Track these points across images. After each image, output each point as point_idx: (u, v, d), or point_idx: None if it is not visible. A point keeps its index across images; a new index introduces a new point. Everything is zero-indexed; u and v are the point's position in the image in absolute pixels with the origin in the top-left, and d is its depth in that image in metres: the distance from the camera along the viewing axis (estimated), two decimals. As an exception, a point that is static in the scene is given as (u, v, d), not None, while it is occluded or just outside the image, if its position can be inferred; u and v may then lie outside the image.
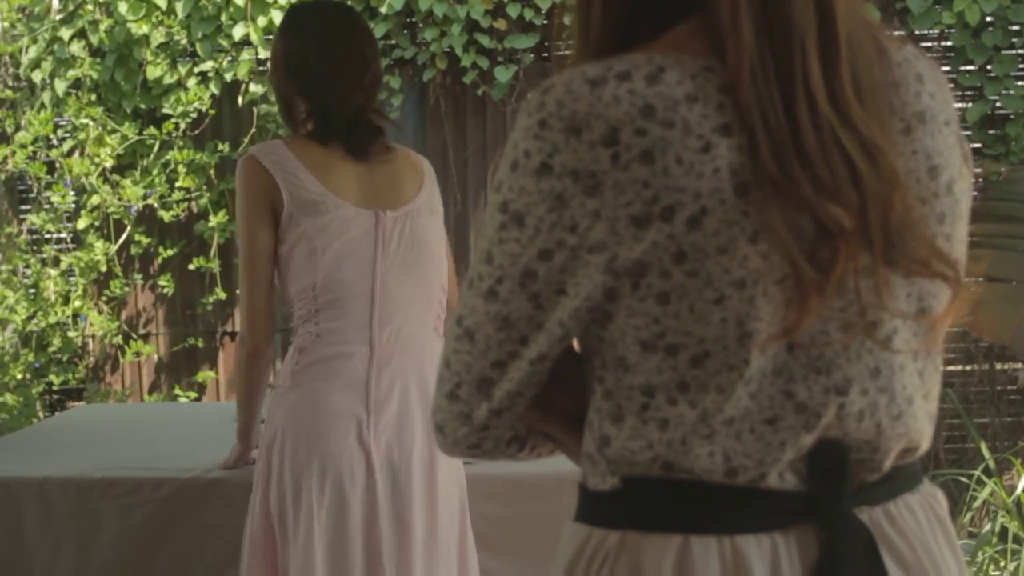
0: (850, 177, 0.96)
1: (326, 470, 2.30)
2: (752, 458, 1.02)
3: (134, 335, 5.71)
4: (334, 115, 2.42)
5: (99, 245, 5.53)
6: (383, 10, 5.29)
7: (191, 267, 5.55)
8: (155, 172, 5.51)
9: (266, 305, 2.42)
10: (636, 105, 0.97)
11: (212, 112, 5.49)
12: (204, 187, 5.54)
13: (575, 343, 1.09)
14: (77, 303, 5.56)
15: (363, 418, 2.34)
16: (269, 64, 2.55)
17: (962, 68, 5.12)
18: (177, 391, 5.71)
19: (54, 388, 5.76)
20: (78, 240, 5.66)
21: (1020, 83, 5.13)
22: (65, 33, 5.50)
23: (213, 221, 5.47)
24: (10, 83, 5.76)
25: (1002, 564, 4.20)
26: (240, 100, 5.49)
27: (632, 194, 0.97)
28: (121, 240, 5.61)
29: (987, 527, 4.34)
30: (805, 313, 0.97)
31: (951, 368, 5.22)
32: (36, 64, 5.57)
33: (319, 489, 2.29)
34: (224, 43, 5.44)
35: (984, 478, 4.47)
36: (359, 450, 2.32)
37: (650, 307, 1.00)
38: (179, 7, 5.40)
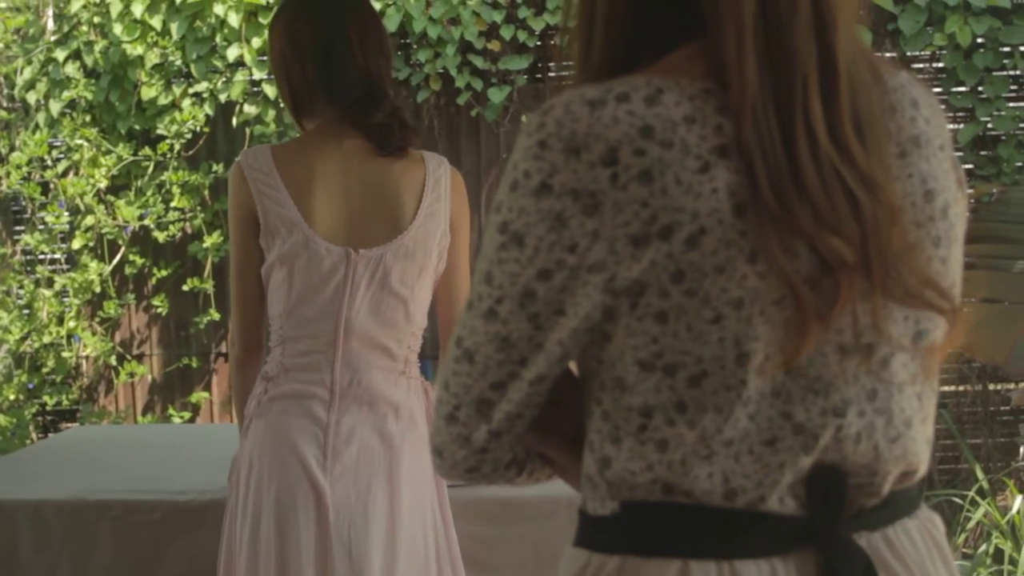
0: (851, 210, 0.97)
1: (280, 505, 2.26)
2: (751, 479, 1.02)
3: (128, 356, 5.71)
4: (374, 106, 2.32)
5: (93, 266, 5.53)
6: (377, 32, 5.31)
7: (185, 288, 5.55)
8: (149, 193, 5.52)
9: (256, 315, 2.40)
10: (635, 126, 0.98)
11: (206, 133, 5.50)
12: (198, 208, 5.55)
13: (573, 366, 1.10)
14: (71, 324, 5.56)
15: (319, 459, 2.27)
16: (281, 49, 2.39)
17: (953, 89, 5.15)
18: (171, 412, 5.70)
19: (47, 409, 5.75)
20: (72, 261, 5.66)
21: (1011, 104, 5.16)
22: (60, 54, 5.52)
23: (207, 242, 5.48)
24: (5, 104, 5.77)
25: (996, 585, 4.21)
26: (234, 121, 5.50)
27: (631, 214, 0.98)
28: (115, 261, 5.61)
29: (981, 548, 4.34)
30: (805, 341, 0.98)
31: (944, 389, 5.22)
32: (31, 85, 5.58)
33: (275, 522, 2.27)
34: (218, 64, 5.46)
35: (978, 499, 4.47)
36: (311, 490, 2.26)
37: (648, 326, 1.00)
38: (174, 28, 5.42)
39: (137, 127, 5.55)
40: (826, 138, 0.98)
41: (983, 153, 5.19)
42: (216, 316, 5.53)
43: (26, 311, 5.63)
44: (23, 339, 5.57)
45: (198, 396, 5.68)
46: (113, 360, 5.65)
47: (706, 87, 1.00)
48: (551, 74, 5.47)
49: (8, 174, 5.54)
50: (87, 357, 5.72)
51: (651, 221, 0.97)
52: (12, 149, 5.63)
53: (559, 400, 1.11)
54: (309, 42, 2.36)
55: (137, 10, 5.39)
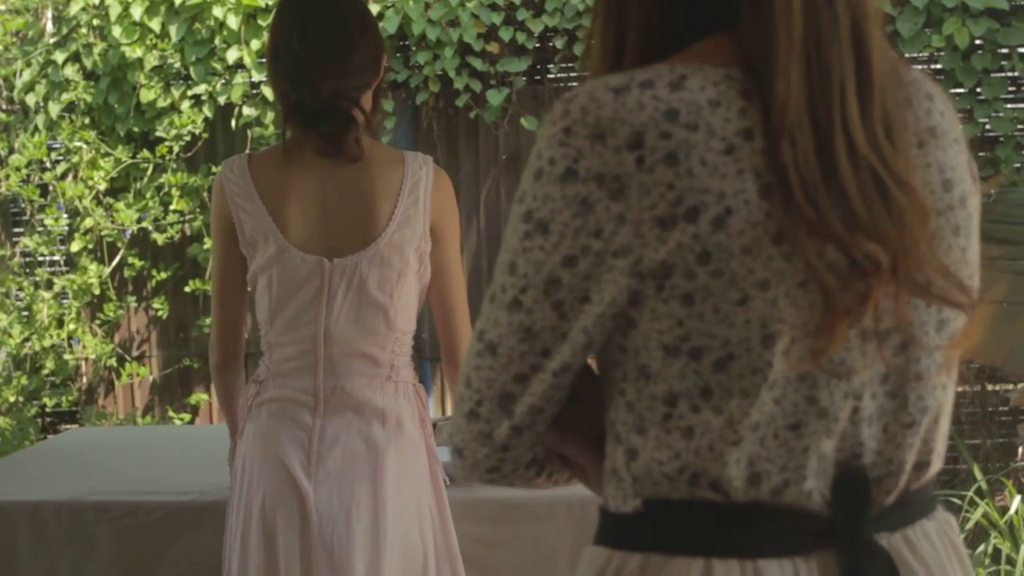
0: (885, 209, 0.98)
1: (266, 509, 2.28)
2: (775, 464, 1.02)
3: (127, 357, 5.71)
4: (308, 101, 2.29)
5: (92, 268, 5.53)
6: (376, 34, 5.30)
7: (185, 290, 5.55)
8: (148, 195, 5.52)
9: (235, 322, 2.42)
10: (660, 110, 0.99)
11: (205, 135, 5.50)
12: (197, 210, 5.55)
13: (593, 365, 1.10)
14: (71, 326, 5.56)
15: (304, 464, 2.28)
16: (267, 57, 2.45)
17: (952, 91, 5.14)
18: (171, 413, 5.71)
19: (47, 411, 5.75)
20: (71, 263, 5.67)
21: (1009, 106, 5.16)
22: (59, 56, 5.52)
23: (207, 244, 5.48)
24: (4, 106, 5.77)
25: (995, 585, 4.21)
26: (234, 123, 5.51)
27: (657, 196, 0.98)
28: (115, 263, 5.62)
29: (980, 548, 4.34)
30: (833, 340, 0.98)
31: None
32: (30, 87, 5.59)
33: (262, 525, 2.28)
34: (218, 66, 5.46)
35: (976, 499, 4.47)
36: (295, 495, 2.27)
37: (674, 309, 1.00)
38: (173, 30, 5.42)
39: (136, 129, 5.56)
40: (865, 144, 0.99)
41: (981, 154, 5.19)
42: (216, 318, 5.53)
43: (25, 313, 5.63)
44: (24, 341, 5.57)
45: (197, 397, 5.68)
46: (113, 362, 5.65)
47: (729, 73, 1.02)
48: (550, 76, 5.47)
49: (7, 176, 5.54)
50: (86, 359, 5.73)
51: (677, 203, 0.98)
52: (11, 151, 5.63)
53: (580, 399, 1.11)
54: (269, 47, 2.39)
55: (136, 12, 5.39)
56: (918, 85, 1.10)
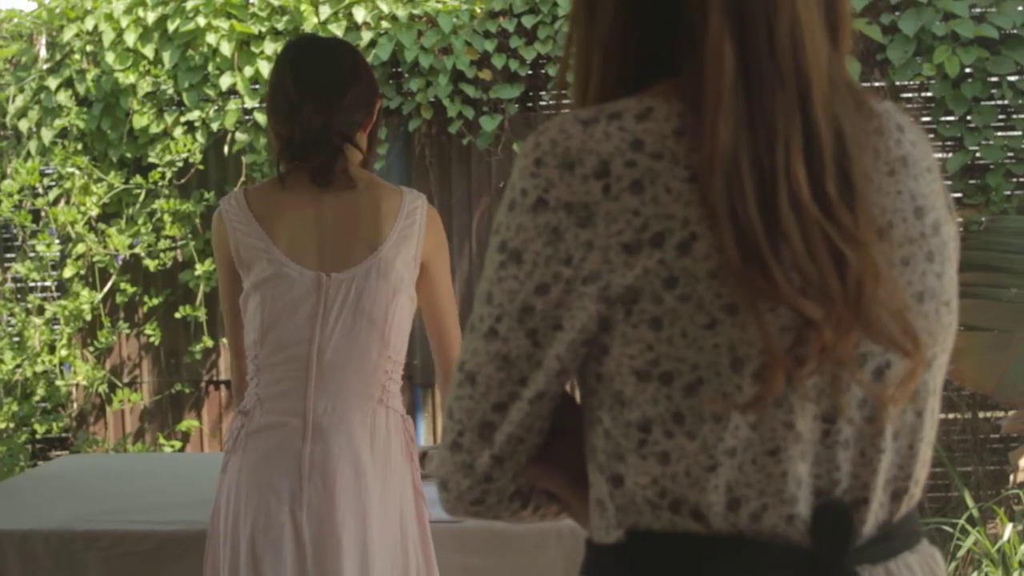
0: (835, 266, 0.98)
1: (255, 541, 2.27)
2: (754, 488, 1.02)
3: (119, 383, 5.70)
4: (299, 135, 2.35)
5: (84, 294, 5.53)
6: (369, 60, 5.32)
7: (177, 316, 5.55)
8: (141, 221, 5.53)
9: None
10: (626, 140, 1.01)
11: (199, 163, 5.51)
12: (190, 236, 5.56)
13: (577, 397, 1.11)
14: (62, 352, 5.56)
15: (296, 492, 2.28)
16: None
17: (942, 119, 5.16)
18: (161, 440, 5.69)
19: (38, 437, 5.73)
20: (63, 289, 5.66)
21: (999, 134, 5.17)
22: (52, 82, 5.54)
23: (199, 270, 5.48)
24: (-3, 132, 5.78)
25: (987, 613, 4.20)
26: (226, 150, 5.51)
27: (623, 223, 1.00)
28: (106, 289, 5.61)
29: (971, 576, 4.34)
30: (768, 390, 0.99)
31: (934, 416, 5.20)
32: (23, 113, 5.60)
33: (251, 558, 2.27)
34: (211, 93, 5.47)
35: (968, 527, 4.47)
36: (290, 524, 2.26)
37: (643, 333, 1.01)
38: (166, 57, 5.44)
39: (129, 155, 5.57)
40: (811, 203, 0.98)
41: (972, 182, 5.21)
42: (209, 343, 5.53)
43: (17, 339, 5.62)
44: (16, 367, 5.56)
45: (188, 424, 5.67)
46: (104, 388, 5.64)
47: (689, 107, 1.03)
48: (542, 103, 5.49)
49: (-1, 202, 5.54)
50: (77, 385, 5.72)
51: (643, 229, 1.00)
52: (3, 177, 5.63)
53: (563, 432, 1.12)
54: (270, 96, 2.45)
55: (130, 39, 5.41)
56: (889, 116, 1.11)
